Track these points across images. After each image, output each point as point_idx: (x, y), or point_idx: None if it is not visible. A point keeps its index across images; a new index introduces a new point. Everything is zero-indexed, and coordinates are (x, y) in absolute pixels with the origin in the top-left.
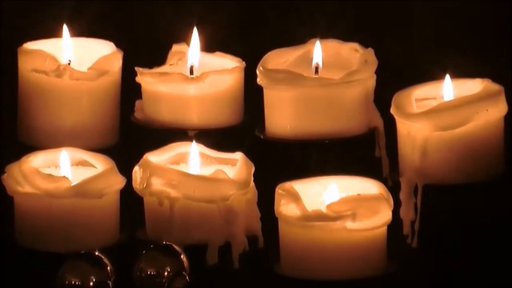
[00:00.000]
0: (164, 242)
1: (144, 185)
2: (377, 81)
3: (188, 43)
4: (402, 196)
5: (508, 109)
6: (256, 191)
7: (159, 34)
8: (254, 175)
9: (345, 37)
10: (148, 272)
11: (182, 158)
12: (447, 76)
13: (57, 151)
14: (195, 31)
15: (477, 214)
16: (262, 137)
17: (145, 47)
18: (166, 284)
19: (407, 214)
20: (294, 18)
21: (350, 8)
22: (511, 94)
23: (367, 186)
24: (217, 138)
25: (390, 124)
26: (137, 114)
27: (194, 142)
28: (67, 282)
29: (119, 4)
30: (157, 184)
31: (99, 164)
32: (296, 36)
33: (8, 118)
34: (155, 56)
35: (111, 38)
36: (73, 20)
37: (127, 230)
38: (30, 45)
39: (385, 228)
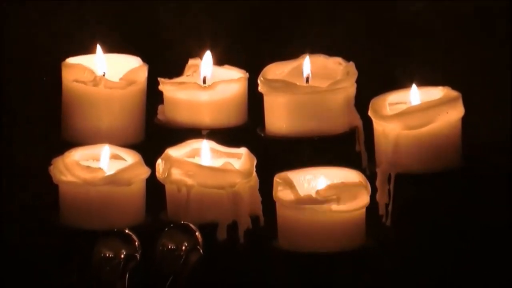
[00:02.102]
0: (182, 222)
1: (166, 175)
2: (357, 88)
3: (201, 58)
4: (378, 183)
5: (464, 111)
6: (257, 180)
7: (177, 50)
8: (256, 166)
9: (331, 53)
10: (169, 247)
11: (196, 153)
12: (414, 85)
13: (94, 147)
14: (208, 51)
15: (439, 197)
16: (262, 135)
17: (166, 62)
18: (183, 257)
19: (382, 198)
20: (289, 37)
21: (335, 28)
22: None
23: (349, 175)
24: (225, 136)
25: (368, 124)
26: (160, 117)
27: (206, 140)
28: (102, 255)
29: (144, 27)
30: (176, 174)
31: (128, 157)
32: (290, 52)
33: (54, 120)
34: (175, 68)
35: (138, 54)
36: (105, 39)
37: (151, 212)
38: (71, 60)
39: (364, 210)
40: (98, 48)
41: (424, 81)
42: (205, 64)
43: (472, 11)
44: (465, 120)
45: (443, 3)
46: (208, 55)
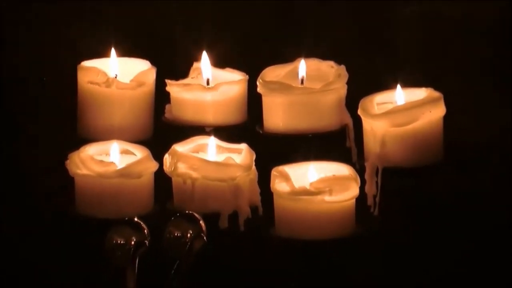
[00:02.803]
0: (187, 212)
1: (172, 169)
2: (348, 89)
3: (205, 61)
4: (366, 176)
5: (446, 110)
6: (256, 173)
7: (183, 55)
8: (255, 161)
9: (324, 56)
10: (175, 234)
11: (201, 148)
12: (399, 86)
13: (107, 143)
14: (204, 52)
15: (422, 188)
16: (261, 132)
17: (172, 65)
18: (188, 244)
19: (370, 190)
20: (285, 42)
21: (328, 34)
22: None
23: (340, 169)
24: (227, 133)
25: (357, 122)
26: (167, 115)
27: (210, 136)
28: (114, 241)
29: (153, 33)
30: (182, 167)
31: (138, 152)
32: (286, 56)
33: (70, 118)
34: (180, 71)
35: (147, 58)
36: (118, 44)
37: (159, 202)
38: (86, 63)
39: (354, 201)
40: (113, 51)
41: (409, 83)
42: (208, 67)
43: (453, 17)
44: (447, 118)
45: (428, 8)
46: (205, 57)
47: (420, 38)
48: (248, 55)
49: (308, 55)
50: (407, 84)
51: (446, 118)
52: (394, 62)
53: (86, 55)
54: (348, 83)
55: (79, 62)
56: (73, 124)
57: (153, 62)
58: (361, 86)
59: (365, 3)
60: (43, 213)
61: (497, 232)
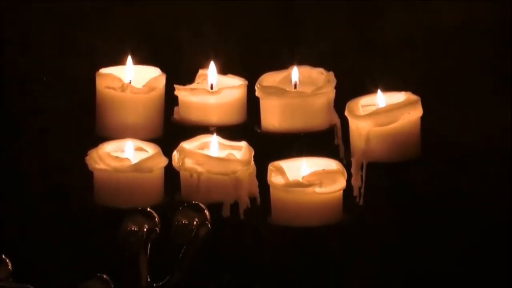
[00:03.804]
0: (193, 202)
1: (180, 164)
2: (336, 93)
3: (208, 69)
4: (352, 170)
5: (423, 111)
6: (255, 167)
7: (189, 63)
8: (254, 156)
9: (314, 64)
10: (183, 222)
11: (205, 145)
12: (379, 91)
13: (122, 141)
14: (212, 62)
15: (402, 180)
16: (259, 131)
17: (180, 72)
18: (194, 230)
19: (356, 182)
20: (279, 51)
21: (318, 44)
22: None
23: (329, 164)
24: (229, 132)
25: (344, 122)
26: (175, 116)
27: (213, 135)
28: (128, 229)
29: (163, 43)
30: (188, 163)
31: (150, 149)
32: (281, 63)
33: (89, 119)
34: (187, 77)
35: (158, 65)
36: (133, 53)
37: (168, 194)
38: (103, 70)
39: (341, 192)
40: (129, 59)
41: (390, 87)
42: (212, 74)
43: (428, 27)
44: (424, 118)
45: (412, 19)
46: (212, 66)
47: (420, 38)
48: (248, 63)
49: (300, 62)
50: (388, 88)
51: (423, 118)
52: (377, 68)
53: (103, 62)
54: (336, 87)
55: (97, 69)
56: (92, 124)
57: (163, 69)
58: (348, 90)
59: (362, 8)
60: (66, 203)
61: (477, 223)
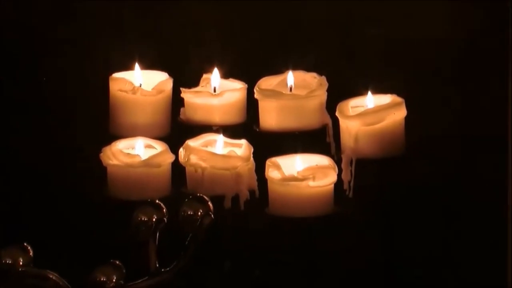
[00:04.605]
0: (198, 194)
1: (186, 160)
2: (327, 95)
3: (211, 73)
4: (343, 166)
5: (407, 112)
6: (254, 163)
7: (195, 68)
8: (253, 153)
9: (308, 68)
10: (188, 213)
11: (209, 143)
12: (369, 93)
13: (133, 139)
14: (216, 68)
15: (388, 174)
16: (257, 130)
17: (186, 76)
18: (199, 220)
19: (346, 177)
20: (276, 57)
21: (312, 50)
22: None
23: (321, 160)
24: (230, 131)
25: (335, 122)
26: (181, 116)
27: (217, 134)
28: (139, 219)
29: (170, 50)
30: (193, 159)
31: (158, 146)
32: (278, 68)
33: (104, 119)
34: (193, 81)
35: (166, 70)
36: (142, 58)
37: (175, 187)
38: (116, 75)
39: (332, 185)
40: (137, 66)
41: (377, 90)
42: (215, 78)
43: (403, 40)
44: (408, 119)
45: (394, 33)
46: (216, 71)
47: (387, 55)
48: (248, 68)
49: (295, 68)
50: (375, 91)
51: (407, 118)
52: (365, 73)
53: (116, 67)
54: (328, 90)
55: (110, 74)
56: (106, 124)
57: (170, 74)
58: (338, 93)
59: (350, 18)
60: (82, 196)
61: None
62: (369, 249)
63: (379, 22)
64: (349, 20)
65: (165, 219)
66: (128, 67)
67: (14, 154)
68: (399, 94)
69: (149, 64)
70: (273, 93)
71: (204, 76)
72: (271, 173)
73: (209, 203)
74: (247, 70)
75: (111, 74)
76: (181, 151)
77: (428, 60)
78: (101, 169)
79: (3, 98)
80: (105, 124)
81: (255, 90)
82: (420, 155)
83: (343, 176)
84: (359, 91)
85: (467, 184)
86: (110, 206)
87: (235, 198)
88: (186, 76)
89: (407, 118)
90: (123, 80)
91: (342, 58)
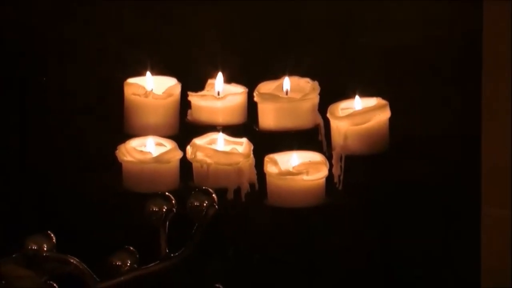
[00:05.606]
0: (203, 187)
1: (193, 156)
2: (320, 98)
3: (215, 78)
4: (333, 161)
5: (390, 113)
6: (254, 159)
7: (200, 74)
8: (253, 150)
9: (302, 74)
10: (194, 204)
11: (213, 141)
12: (357, 96)
13: (145, 137)
14: (220, 73)
15: (374, 169)
16: (257, 129)
17: (193, 81)
18: (204, 211)
19: (336, 171)
20: (276, 57)
21: (306, 58)
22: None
23: (314, 156)
24: (232, 130)
25: (326, 122)
26: (189, 117)
27: (220, 133)
28: (150, 209)
29: (179, 58)
30: (199, 155)
31: (168, 144)
32: (275, 74)
33: (119, 120)
34: (198, 85)
35: (175, 76)
36: (153, 66)
37: (183, 181)
38: (130, 80)
39: (324, 179)
40: (148, 73)
41: (364, 93)
42: (218, 82)
43: (403, 40)
44: (392, 119)
45: (382, 39)
46: (219, 76)
47: (374, 61)
48: (248, 73)
49: (291, 73)
50: (362, 94)
51: (391, 119)
52: (353, 78)
53: (129, 73)
54: (320, 94)
55: (125, 79)
56: (120, 124)
57: (179, 79)
58: (329, 96)
59: (343, 27)
60: (99, 189)
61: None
62: (368, 249)
63: (379, 22)
64: (349, 20)
65: (174, 209)
66: (140, 72)
67: (14, 154)
68: (383, 97)
69: (160, 70)
70: (271, 97)
71: (209, 81)
72: (269, 168)
73: (213, 195)
74: (247, 76)
75: (125, 79)
76: (188, 148)
77: (428, 60)
78: (117, 165)
79: (3, 98)
80: (120, 124)
81: (254, 94)
82: (420, 155)
83: (333, 170)
84: (348, 94)
85: (467, 184)
86: (125, 198)
87: (237, 191)
88: (192, 81)
89: (391, 119)
90: (136, 85)
91: (342, 58)
